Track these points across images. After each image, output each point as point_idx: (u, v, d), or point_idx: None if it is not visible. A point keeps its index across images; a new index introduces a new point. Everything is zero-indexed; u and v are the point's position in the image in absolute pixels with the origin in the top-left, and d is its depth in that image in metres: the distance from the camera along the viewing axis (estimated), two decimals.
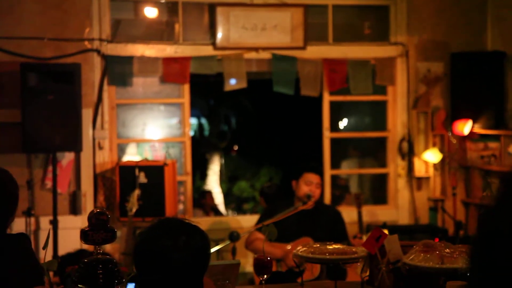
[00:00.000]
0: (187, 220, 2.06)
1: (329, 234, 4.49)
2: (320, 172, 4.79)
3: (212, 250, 3.86)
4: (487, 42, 6.50)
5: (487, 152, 6.22)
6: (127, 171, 5.48)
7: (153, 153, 6.32)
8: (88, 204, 5.70)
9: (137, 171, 5.45)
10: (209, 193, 9.52)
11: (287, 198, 4.83)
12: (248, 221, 6.19)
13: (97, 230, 2.18)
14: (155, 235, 1.98)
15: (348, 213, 5.47)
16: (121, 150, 6.20)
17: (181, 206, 6.93)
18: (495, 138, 6.17)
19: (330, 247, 2.87)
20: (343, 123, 7.63)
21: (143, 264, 1.97)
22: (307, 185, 4.65)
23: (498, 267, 1.06)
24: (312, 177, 4.67)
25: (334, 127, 6.62)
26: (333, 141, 6.48)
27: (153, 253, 1.95)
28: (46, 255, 2.29)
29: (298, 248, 2.87)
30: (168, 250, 1.94)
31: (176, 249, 1.94)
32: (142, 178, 5.44)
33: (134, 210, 5.33)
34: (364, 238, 4.59)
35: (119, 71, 5.88)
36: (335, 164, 6.58)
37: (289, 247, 4.50)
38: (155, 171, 5.47)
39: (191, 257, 1.96)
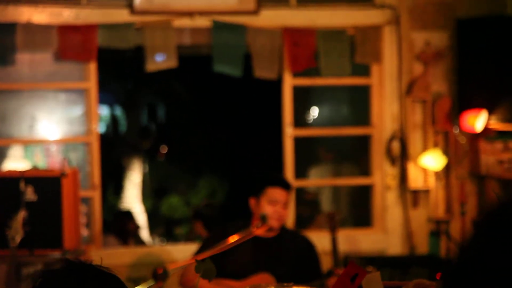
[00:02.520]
0: (100, 267, 2.13)
1: (295, 271, 4.50)
2: (289, 188, 4.82)
3: None
4: (506, 4, 6.62)
5: (507, 155, 6.32)
6: (8, 184, 5.39)
7: (46, 159, 6.26)
8: None
9: (22, 184, 5.38)
10: (127, 214, 9.46)
11: (244, 218, 4.84)
12: (182, 252, 6.17)
13: None
14: (57, 279, 2.05)
15: (319, 239, 5.51)
16: (0, 154, 6.11)
17: (85, 232, 6.86)
18: None
19: None
20: (311, 116, 7.68)
21: None
22: (272, 205, 4.67)
23: None
24: (278, 194, 4.69)
25: (299, 121, 6.66)
26: (298, 141, 6.51)
27: None
28: None
29: None
30: None
31: None
32: (30, 194, 5.37)
33: (18, 239, 5.25)
34: None
35: None
36: (300, 172, 6.62)
37: (238, 286, 4.51)
38: (48, 184, 5.40)
39: None
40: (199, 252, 4.57)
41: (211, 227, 6.03)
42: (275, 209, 4.64)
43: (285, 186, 4.78)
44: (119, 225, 8.87)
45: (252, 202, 4.77)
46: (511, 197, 1.32)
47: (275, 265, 4.61)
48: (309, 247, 4.82)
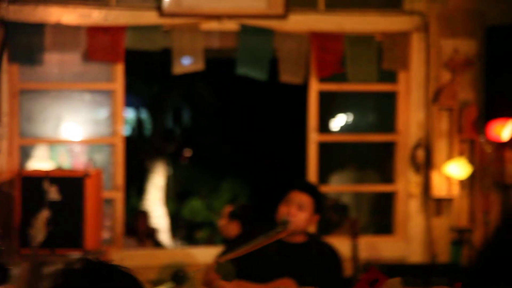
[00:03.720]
0: (118, 266, 2.14)
1: (319, 280, 4.51)
2: (309, 190, 4.79)
3: None
4: None
5: None
6: (33, 183, 5.45)
7: (71, 160, 6.31)
8: None
9: (46, 184, 5.44)
10: (142, 214, 9.50)
11: (270, 222, 4.85)
12: (203, 254, 6.20)
13: None
14: (76, 276, 2.08)
15: (340, 246, 5.51)
16: (25, 154, 6.17)
17: (107, 234, 6.91)
18: None
19: None
20: (336, 122, 7.69)
21: None
22: (286, 206, 4.67)
23: None
24: (295, 195, 4.69)
25: (324, 127, 6.67)
26: (322, 146, 6.52)
27: None
28: None
29: None
30: None
31: None
32: (53, 194, 5.43)
33: (40, 238, 5.31)
34: None
35: (24, 44, 5.86)
36: (323, 178, 6.64)
37: None
38: (72, 184, 5.46)
39: None
40: (225, 253, 4.60)
41: (247, 229, 6.03)
42: (288, 209, 4.63)
43: (301, 187, 4.76)
44: (138, 226, 8.92)
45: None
46: None
47: (301, 272, 4.61)
48: (335, 256, 4.80)
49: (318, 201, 4.72)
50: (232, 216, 6.37)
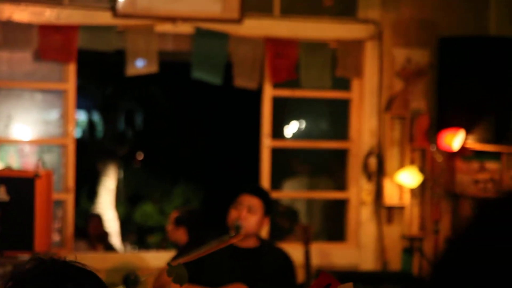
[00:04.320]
0: (75, 263, 2.07)
1: (272, 285, 4.50)
2: (258, 193, 4.79)
3: None
4: (488, 24, 6.67)
5: (483, 175, 6.34)
6: None
7: (20, 160, 6.23)
8: None
9: None
10: (95, 218, 9.42)
11: (222, 227, 4.83)
12: (154, 259, 6.16)
13: None
14: (30, 278, 1.98)
15: (292, 252, 5.51)
16: None
17: (57, 237, 6.82)
18: (495, 156, 6.28)
19: None
20: (289, 128, 7.69)
21: None
22: (236, 210, 4.67)
23: None
24: (244, 198, 4.68)
25: (277, 132, 6.67)
26: (275, 152, 6.53)
27: None
28: None
29: None
30: None
31: None
32: (2, 194, 5.36)
33: None
34: None
35: None
36: (275, 184, 6.64)
37: None
38: (21, 185, 5.38)
39: None
40: (176, 258, 4.57)
41: (194, 234, 6.00)
42: (239, 213, 4.63)
43: (251, 190, 4.76)
44: (88, 228, 8.84)
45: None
46: (483, 214, 1.35)
47: (253, 277, 4.61)
48: (288, 261, 4.80)
49: (268, 203, 4.72)
50: (178, 221, 6.34)
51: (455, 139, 6.33)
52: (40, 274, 2.00)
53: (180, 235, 6.27)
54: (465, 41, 6.47)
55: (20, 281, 1.99)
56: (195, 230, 6.12)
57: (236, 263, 4.66)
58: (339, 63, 6.46)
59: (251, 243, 4.70)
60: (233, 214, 4.65)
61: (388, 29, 6.54)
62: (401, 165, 6.51)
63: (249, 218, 4.65)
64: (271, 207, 4.77)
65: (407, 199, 6.53)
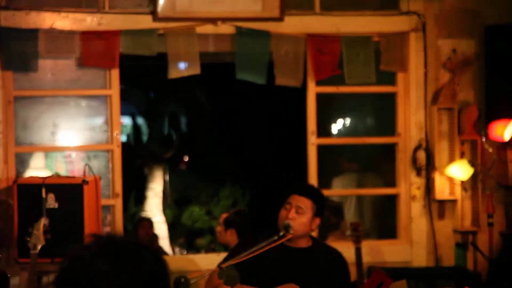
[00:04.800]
0: (133, 240, 2.02)
1: (326, 285, 4.48)
2: (308, 193, 4.76)
3: None
4: None
5: None
6: (30, 191, 5.41)
7: (68, 167, 6.28)
8: None
9: (44, 191, 5.39)
10: (145, 222, 9.48)
11: (268, 227, 4.83)
12: (203, 261, 6.15)
13: None
14: (87, 256, 1.94)
15: (343, 250, 5.47)
16: (21, 162, 6.14)
17: None
18: None
19: None
20: (335, 125, 7.66)
21: None
22: (285, 210, 4.66)
23: None
24: (293, 198, 4.67)
25: (322, 130, 6.63)
26: (321, 150, 6.49)
27: (83, 281, 1.91)
28: None
29: None
30: (105, 277, 1.90)
31: (117, 276, 1.90)
32: (51, 201, 5.39)
33: (39, 247, 5.25)
34: None
35: (18, 50, 5.83)
36: (323, 182, 6.60)
37: None
38: (70, 191, 5.42)
39: (139, 286, 1.92)
40: (227, 259, 4.57)
41: (244, 235, 6.00)
42: (287, 213, 4.63)
43: (300, 191, 4.74)
44: (139, 233, 8.89)
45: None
46: None
47: (306, 277, 4.60)
48: (341, 260, 4.78)
49: (319, 204, 4.69)
50: (227, 223, 6.34)
51: (506, 130, 6.25)
52: (97, 252, 1.95)
53: (230, 237, 6.27)
54: (511, 29, 6.39)
55: (77, 258, 1.95)
56: (245, 231, 6.12)
57: (289, 263, 4.66)
58: (383, 57, 6.41)
59: (303, 243, 4.70)
60: (282, 214, 4.65)
61: (432, 20, 6.48)
62: (451, 158, 6.44)
63: (297, 218, 4.64)
64: (322, 208, 4.73)
65: (458, 193, 6.45)
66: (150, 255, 1.98)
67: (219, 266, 4.27)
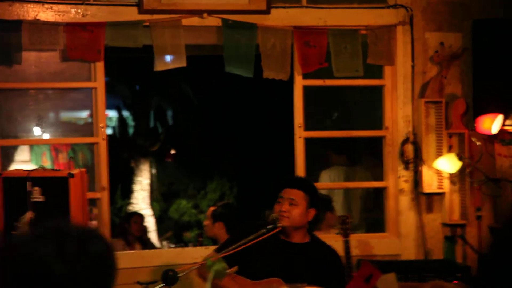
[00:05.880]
0: (79, 224, 2.02)
1: (321, 281, 4.48)
2: (299, 185, 4.77)
3: None
4: None
5: None
6: (15, 185, 5.38)
7: (53, 160, 6.25)
8: None
9: (29, 185, 5.36)
10: (137, 217, 9.47)
11: (255, 220, 4.84)
12: (191, 255, 6.13)
13: None
14: (28, 239, 1.92)
15: (331, 244, 5.47)
16: (6, 155, 6.11)
17: None
18: None
19: None
20: (323, 118, 7.64)
21: (9, 281, 1.89)
22: (278, 204, 4.68)
23: None
24: (285, 191, 4.69)
25: (310, 123, 6.61)
26: (309, 143, 6.47)
27: (24, 264, 1.88)
28: None
29: None
30: (47, 259, 1.88)
31: (59, 258, 1.88)
32: (36, 194, 5.36)
33: None
34: None
35: (1, 42, 5.79)
36: (311, 175, 6.57)
37: (249, 286, 4.51)
38: (55, 184, 5.38)
39: (83, 268, 1.90)
40: (219, 250, 4.58)
41: (232, 228, 5.99)
42: (280, 206, 4.64)
43: (291, 184, 4.75)
44: (127, 228, 8.88)
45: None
46: None
47: (301, 272, 4.61)
48: (336, 259, 4.79)
49: (312, 194, 4.70)
50: (215, 216, 6.33)
51: (493, 123, 6.27)
52: (39, 235, 1.94)
53: (218, 230, 6.25)
54: (499, 23, 6.41)
55: (18, 242, 1.94)
56: (233, 224, 6.11)
57: (285, 257, 4.68)
58: (370, 50, 6.40)
59: (300, 238, 4.72)
60: (275, 208, 4.66)
61: (419, 13, 6.47)
62: (439, 152, 6.44)
63: (291, 211, 4.65)
64: (316, 198, 4.75)
65: (446, 186, 6.45)
66: (94, 237, 1.97)
67: (206, 259, 4.26)
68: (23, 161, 6.23)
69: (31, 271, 1.88)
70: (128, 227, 8.96)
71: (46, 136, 6.21)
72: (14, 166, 6.28)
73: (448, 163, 6.36)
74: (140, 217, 9.57)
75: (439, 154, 6.43)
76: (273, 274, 4.58)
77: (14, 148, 6.20)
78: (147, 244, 9.48)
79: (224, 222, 6.22)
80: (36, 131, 6.19)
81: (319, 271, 4.65)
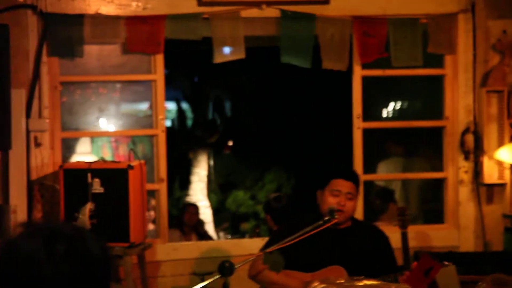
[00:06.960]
0: (70, 224, 1.99)
1: (370, 263, 4.50)
2: (354, 178, 4.82)
3: None
4: None
5: None
6: (76, 176, 5.48)
7: (113, 152, 6.34)
8: None
9: (89, 176, 5.46)
10: (191, 207, 9.56)
11: (312, 211, 4.87)
12: (248, 246, 6.19)
13: None
14: (18, 238, 1.89)
15: (389, 235, 5.48)
16: (68, 147, 6.21)
17: (152, 226, 6.92)
18: None
19: (360, 283, 2.88)
20: (382, 109, 7.63)
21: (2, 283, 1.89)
22: (334, 196, 4.69)
23: None
24: (342, 185, 4.71)
25: (369, 114, 6.62)
26: (367, 134, 6.47)
27: (13, 263, 1.87)
28: None
29: (315, 284, 2.88)
30: (37, 259, 1.86)
31: (50, 260, 1.86)
32: (97, 186, 5.45)
33: None
34: None
35: (64, 36, 5.87)
36: (369, 166, 6.58)
37: (309, 278, 4.53)
38: (115, 176, 5.47)
39: (73, 269, 1.87)
40: (267, 245, 4.61)
41: (279, 221, 6.04)
42: (338, 200, 4.66)
43: (348, 176, 4.79)
44: (184, 219, 8.97)
45: (318, 194, 4.78)
46: None
47: (348, 257, 4.62)
48: (383, 238, 4.82)
49: (359, 185, 4.83)
50: (264, 208, 6.39)
51: None
52: (29, 234, 1.90)
53: (269, 222, 6.32)
54: None
55: (8, 241, 1.90)
56: (280, 217, 6.13)
57: (331, 244, 4.69)
58: (431, 39, 6.37)
59: (346, 224, 4.74)
60: (330, 200, 4.67)
61: (481, 1, 6.42)
62: (500, 142, 6.39)
63: (348, 205, 4.69)
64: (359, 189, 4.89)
65: (507, 177, 6.41)
66: (87, 238, 1.93)
67: (263, 251, 4.30)
68: (84, 153, 6.33)
69: (21, 270, 1.86)
70: (183, 217, 9.06)
71: (107, 128, 6.30)
72: (75, 158, 6.38)
73: (509, 154, 6.31)
74: (194, 207, 9.66)
75: (500, 144, 6.38)
76: (321, 263, 4.61)
77: (75, 140, 6.31)
78: (203, 235, 9.57)
79: (270, 214, 6.27)
80: (97, 123, 6.29)
81: (367, 252, 4.68)
